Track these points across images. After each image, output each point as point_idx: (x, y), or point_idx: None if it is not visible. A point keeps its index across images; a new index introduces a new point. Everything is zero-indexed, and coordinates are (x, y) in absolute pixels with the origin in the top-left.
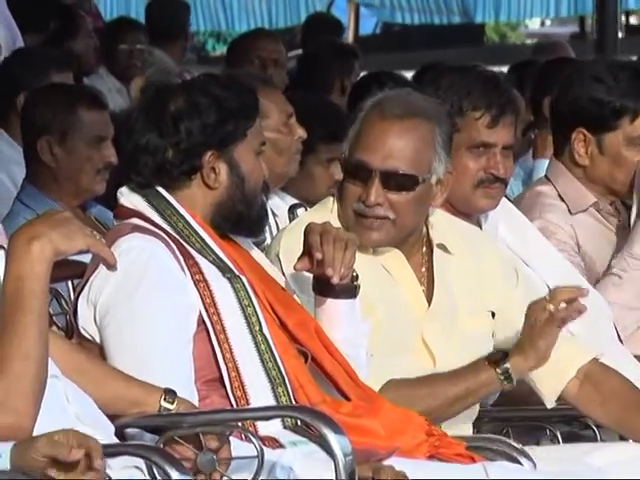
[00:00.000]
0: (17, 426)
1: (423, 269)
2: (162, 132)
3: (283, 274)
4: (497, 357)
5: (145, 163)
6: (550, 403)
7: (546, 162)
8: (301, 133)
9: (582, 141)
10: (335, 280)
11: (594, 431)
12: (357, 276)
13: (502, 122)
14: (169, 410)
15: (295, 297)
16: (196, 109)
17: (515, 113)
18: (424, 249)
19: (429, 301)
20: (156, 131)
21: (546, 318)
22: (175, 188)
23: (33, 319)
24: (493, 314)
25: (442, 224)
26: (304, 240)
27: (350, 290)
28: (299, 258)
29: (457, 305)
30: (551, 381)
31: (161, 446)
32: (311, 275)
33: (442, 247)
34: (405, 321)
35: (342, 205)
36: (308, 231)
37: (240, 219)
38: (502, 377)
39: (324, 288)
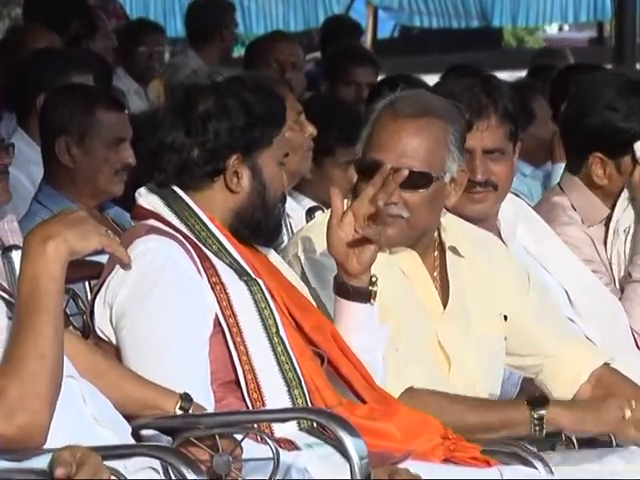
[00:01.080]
0: (33, 425)
1: (435, 273)
2: (189, 131)
3: (303, 275)
4: (537, 400)
5: (169, 160)
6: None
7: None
8: (311, 130)
9: (599, 164)
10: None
11: (609, 436)
12: (376, 281)
13: (477, 126)
14: None
15: (310, 297)
16: (225, 111)
17: (501, 116)
18: (436, 253)
19: (444, 304)
20: (183, 130)
21: (616, 415)
22: (196, 189)
23: (49, 319)
24: (505, 317)
25: (454, 227)
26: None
27: (365, 294)
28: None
29: (469, 308)
30: (564, 385)
31: (177, 447)
32: (331, 274)
33: (454, 250)
34: (421, 323)
35: None
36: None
37: (258, 227)
38: (536, 422)
39: (340, 288)
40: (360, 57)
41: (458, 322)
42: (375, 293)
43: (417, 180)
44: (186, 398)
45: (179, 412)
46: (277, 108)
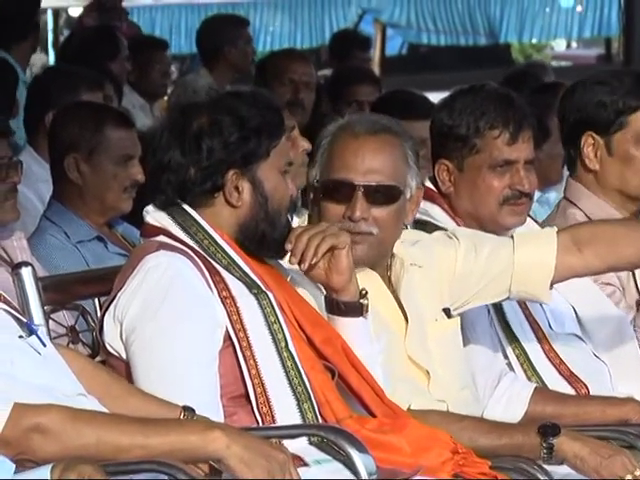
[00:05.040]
0: None
1: (392, 289)
2: (184, 150)
3: None
4: (549, 428)
5: (168, 181)
6: (547, 298)
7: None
8: (306, 145)
9: (591, 145)
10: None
11: None
12: (366, 294)
13: (521, 137)
14: None
15: (320, 311)
16: (218, 127)
17: (532, 127)
18: (390, 270)
19: (405, 319)
20: (179, 149)
21: (618, 472)
22: (199, 206)
23: None
24: (448, 312)
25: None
26: None
27: (357, 308)
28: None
29: (425, 318)
30: (539, 282)
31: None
32: None
33: (413, 265)
34: (392, 341)
35: None
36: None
37: (264, 239)
38: (545, 451)
39: (332, 306)
40: (362, 76)
41: (421, 333)
42: (367, 306)
43: (386, 194)
44: (188, 409)
45: None
46: (273, 119)
